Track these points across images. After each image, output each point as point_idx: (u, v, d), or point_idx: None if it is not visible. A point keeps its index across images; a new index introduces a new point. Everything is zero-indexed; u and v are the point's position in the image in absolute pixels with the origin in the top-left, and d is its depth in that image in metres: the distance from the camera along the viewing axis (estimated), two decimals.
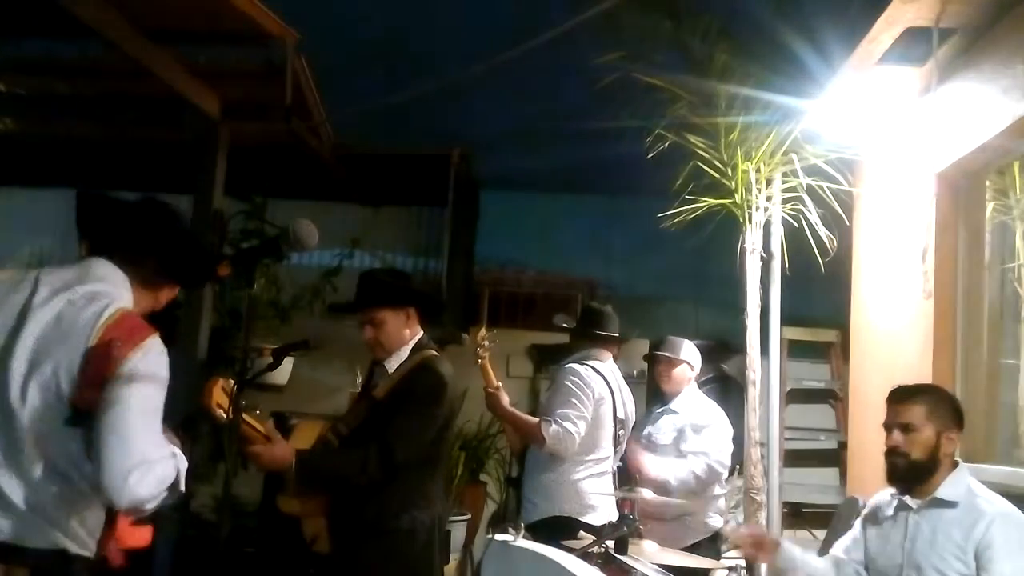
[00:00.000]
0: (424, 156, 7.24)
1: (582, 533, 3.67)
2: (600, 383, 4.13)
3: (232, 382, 2.81)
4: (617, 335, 4.32)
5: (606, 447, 4.15)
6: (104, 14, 4.28)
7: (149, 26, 4.57)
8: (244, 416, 2.91)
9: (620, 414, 4.24)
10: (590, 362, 4.20)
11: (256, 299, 3.55)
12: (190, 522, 5.57)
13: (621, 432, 4.27)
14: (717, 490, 4.69)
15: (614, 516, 4.03)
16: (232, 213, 5.80)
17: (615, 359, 4.41)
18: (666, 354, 4.73)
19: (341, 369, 6.37)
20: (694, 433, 4.51)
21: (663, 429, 4.64)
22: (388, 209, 7.80)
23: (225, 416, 2.81)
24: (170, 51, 4.83)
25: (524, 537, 3.15)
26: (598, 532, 3.71)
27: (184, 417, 2.99)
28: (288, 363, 5.65)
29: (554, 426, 3.99)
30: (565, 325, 4.54)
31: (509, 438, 4.79)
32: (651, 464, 4.40)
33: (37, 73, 5.41)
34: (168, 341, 2.06)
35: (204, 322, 5.31)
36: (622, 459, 4.45)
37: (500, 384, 4.29)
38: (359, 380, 3.19)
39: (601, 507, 4.05)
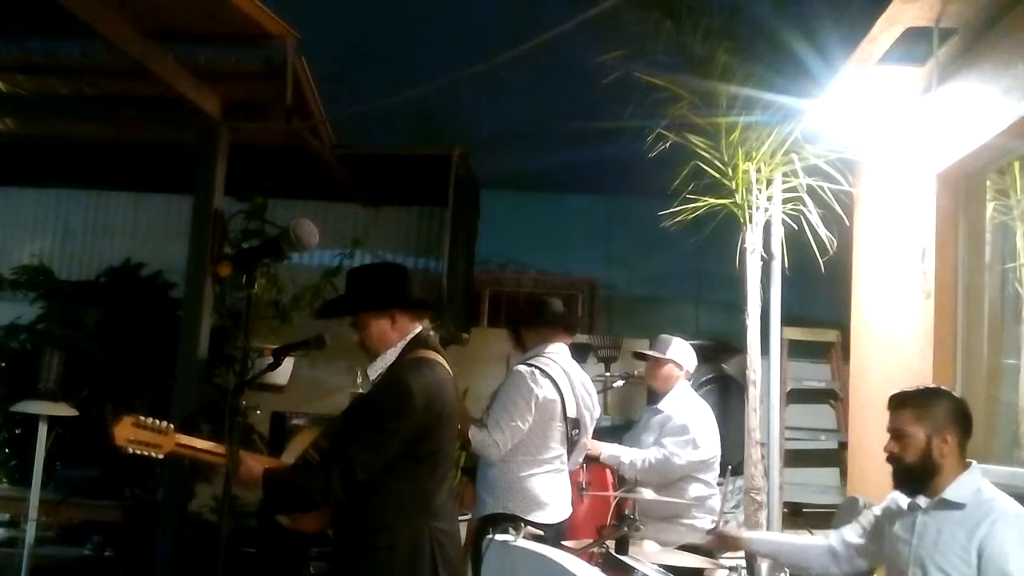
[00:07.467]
0: (424, 156, 7.23)
1: (530, 529, 3.65)
2: (547, 385, 4.04)
3: (141, 417, 2.72)
4: (555, 322, 4.23)
5: (556, 446, 4.08)
6: (104, 14, 4.28)
7: (149, 26, 4.57)
8: (190, 441, 2.83)
9: (571, 413, 4.14)
10: (538, 362, 4.12)
11: (256, 299, 3.54)
12: (190, 522, 5.57)
13: (574, 432, 4.18)
14: (704, 490, 4.65)
15: (566, 515, 4.04)
16: (232, 213, 5.79)
17: (613, 360, 4.40)
18: (652, 354, 4.74)
19: (341, 369, 6.36)
20: (670, 430, 4.57)
21: (650, 427, 4.70)
22: (388, 209, 7.80)
23: (145, 452, 2.73)
24: (170, 51, 4.83)
25: (525, 537, 3.14)
26: (546, 529, 3.72)
27: (184, 417, 2.99)
28: (288, 363, 5.63)
29: (480, 434, 3.96)
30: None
31: None
32: (603, 445, 4.54)
33: (37, 73, 5.41)
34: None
35: (204, 322, 5.31)
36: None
37: None
38: (359, 380, 3.12)
39: (552, 505, 4.01)
